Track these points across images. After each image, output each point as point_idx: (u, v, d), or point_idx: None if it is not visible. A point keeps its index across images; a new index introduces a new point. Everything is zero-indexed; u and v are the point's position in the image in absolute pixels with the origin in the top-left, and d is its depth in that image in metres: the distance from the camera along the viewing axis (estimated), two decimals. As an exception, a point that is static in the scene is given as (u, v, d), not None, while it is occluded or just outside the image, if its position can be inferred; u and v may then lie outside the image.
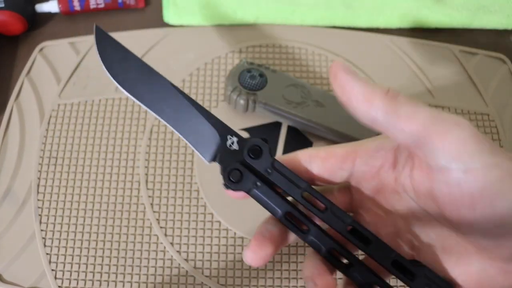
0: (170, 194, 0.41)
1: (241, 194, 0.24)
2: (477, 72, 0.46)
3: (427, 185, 0.22)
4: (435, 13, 0.48)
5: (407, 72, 0.46)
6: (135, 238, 0.39)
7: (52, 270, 0.38)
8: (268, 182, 0.24)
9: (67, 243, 0.39)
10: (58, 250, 0.39)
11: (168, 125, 0.25)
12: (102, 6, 0.48)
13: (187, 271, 0.38)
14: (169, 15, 0.47)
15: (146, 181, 0.41)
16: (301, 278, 0.38)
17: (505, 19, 0.48)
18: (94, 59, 0.46)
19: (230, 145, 0.24)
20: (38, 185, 0.41)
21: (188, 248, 0.39)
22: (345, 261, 0.24)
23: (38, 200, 0.40)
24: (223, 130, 0.24)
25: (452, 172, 0.20)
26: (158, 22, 0.48)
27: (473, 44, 0.48)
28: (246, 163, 0.24)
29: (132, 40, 0.47)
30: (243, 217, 0.40)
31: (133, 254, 0.39)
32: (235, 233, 0.39)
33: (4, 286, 0.37)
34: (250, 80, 0.41)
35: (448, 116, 0.21)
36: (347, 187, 0.26)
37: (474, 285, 0.22)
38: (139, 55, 0.46)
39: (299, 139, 0.43)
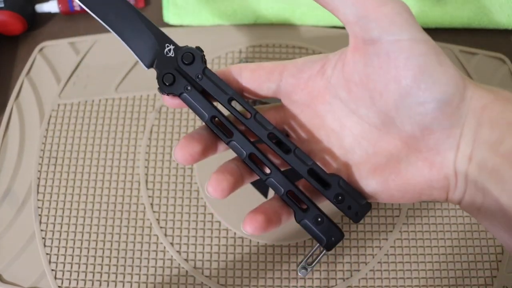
0: (170, 194, 0.41)
1: (176, 101, 0.26)
2: (477, 72, 0.46)
3: (360, 66, 0.23)
4: (435, 13, 0.48)
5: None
6: (135, 238, 0.39)
7: (52, 270, 0.38)
8: (199, 89, 0.25)
9: (67, 243, 0.39)
10: (58, 250, 0.39)
11: (111, 30, 0.26)
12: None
13: (187, 271, 0.38)
14: (169, 15, 0.47)
15: (146, 181, 0.41)
16: (301, 278, 0.38)
17: (505, 19, 0.48)
18: (94, 59, 0.46)
19: (167, 53, 0.26)
20: (38, 185, 0.41)
21: (188, 248, 0.39)
22: (265, 168, 0.26)
23: (38, 200, 0.40)
24: (162, 38, 0.26)
25: (382, 43, 0.22)
26: (158, 22, 0.48)
27: (473, 44, 0.48)
28: (180, 69, 0.26)
29: (132, 40, 0.47)
30: (243, 217, 0.40)
31: (133, 254, 0.39)
32: (235, 233, 0.39)
33: (4, 286, 0.37)
34: (250, 80, 0.41)
35: None
36: (279, 107, 0.27)
37: (400, 189, 0.24)
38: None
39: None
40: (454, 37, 0.48)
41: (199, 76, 0.25)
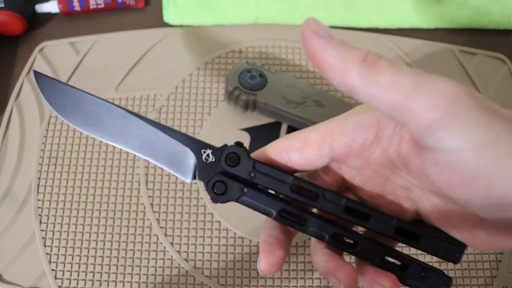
0: (170, 194, 0.41)
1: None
2: (477, 72, 0.46)
3: (417, 162, 0.20)
4: (435, 13, 0.48)
5: (407, 72, 0.46)
6: (135, 238, 0.39)
7: (52, 270, 0.38)
8: (254, 185, 0.24)
9: (67, 243, 0.39)
10: (58, 250, 0.39)
11: (138, 154, 0.24)
12: (102, 6, 0.48)
13: (187, 271, 0.38)
14: (169, 15, 0.47)
15: (146, 181, 0.41)
16: (301, 278, 0.38)
17: (505, 19, 0.48)
18: (94, 59, 0.46)
19: (206, 159, 0.24)
20: (38, 185, 0.41)
21: (188, 248, 0.39)
22: (350, 241, 0.24)
23: (38, 200, 0.40)
24: (195, 145, 0.24)
25: (440, 153, 0.18)
26: (158, 22, 0.48)
27: (473, 44, 0.48)
28: (227, 172, 0.24)
29: (132, 40, 0.47)
30: (243, 217, 0.40)
31: (133, 254, 0.39)
32: (235, 233, 0.39)
33: (4, 286, 0.37)
34: (250, 80, 0.41)
35: (434, 80, 0.18)
36: (326, 170, 0.25)
37: (482, 247, 0.22)
38: (139, 55, 0.46)
39: (299, 139, 0.43)
40: (454, 37, 0.48)
41: (252, 175, 0.23)
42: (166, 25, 0.48)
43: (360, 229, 0.25)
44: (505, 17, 0.48)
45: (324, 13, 0.48)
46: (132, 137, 0.24)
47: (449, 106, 0.17)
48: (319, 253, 0.23)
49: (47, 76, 0.25)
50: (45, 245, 0.39)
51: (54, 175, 0.41)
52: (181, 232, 0.39)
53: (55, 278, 0.38)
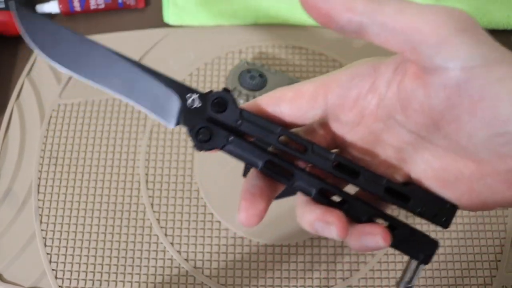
0: (170, 194, 0.41)
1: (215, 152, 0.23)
2: (477, 72, 0.46)
3: (421, 96, 0.20)
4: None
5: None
6: (135, 238, 0.39)
7: (53, 269, 0.38)
8: (240, 134, 0.23)
9: (67, 243, 0.39)
10: (59, 250, 0.39)
11: (119, 95, 0.23)
12: (102, 6, 0.48)
13: (187, 271, 0.38)
14: (169, 15, 0.47)
15: (146, 181, 0.41)
16: (301, 278, 0.38)
17: (505, 19, 0.48)
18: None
19: (191, 104, 0.23)
20: (39, 185, 0.41)
21: (188, 248, 0.39)
22: (338, 199, 0.23)
23: (39, 200, 0.40)
24: (180, 89, 0.23)
25: (449, 72, 0.18)
26: (158, 22, 0.48)
27: (473, 44, 0.48)
28: (212, 119, 0.23)
29: (132, 40, 0.47)
30: (243, 217, 0.40)
31: (134, 254, 0.39)
32: (235, 233, 0.39)
33: (4, 286, 0.37)
34: (250, 81, 0.42)
35: (438, 5, 0.19)
36: (326, 122, 0.24)
37: (478, 204, 0.21)
38: (139, 55, 0.46)
39: (299, 139, 0.43)
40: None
41: (238, 122, 0.22)
42: (166, 25, 0.48)
43: (348, 190, 0.24)
44: (505, 17, 0.48)
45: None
46: (114, 78, 0.23)
47: (457, 24, 0.18)
48: (306, 207, 0.23)
49: (27, 10, 0.24)
50: (45, 245, 0.39)
51: (54, 175, 0.41)
52: (181, 232, 0.39)
53: (56, 277, 0.38)
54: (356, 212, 0.22)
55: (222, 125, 0.22)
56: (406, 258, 0.39)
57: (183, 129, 0.43)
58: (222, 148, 0.22)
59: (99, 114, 0.44)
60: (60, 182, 0.41)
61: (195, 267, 0.38)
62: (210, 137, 0.22)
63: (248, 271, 0.38)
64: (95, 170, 0.42)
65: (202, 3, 0.47)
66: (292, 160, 0.23)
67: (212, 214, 0.40)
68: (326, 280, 0.38)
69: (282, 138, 0.23)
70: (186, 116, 0.23)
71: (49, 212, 0.40)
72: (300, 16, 0.48)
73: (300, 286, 0.38)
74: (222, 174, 0.41)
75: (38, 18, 0.24)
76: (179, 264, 0.38)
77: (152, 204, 0.40)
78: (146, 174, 0.41)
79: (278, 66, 0.46)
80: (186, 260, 0.39)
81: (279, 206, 0.40)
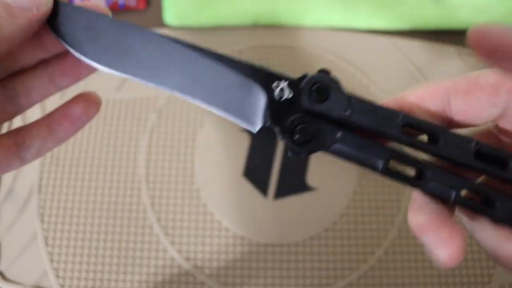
0: (170, 193, 0.41)
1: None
2: (476, 73, 0.46)
3: None
4: (434, 14, 0.48)
5: (407, 73, 0.47)
6: (136, 237, 0.39)
7: (54, 269, 0.38)
8: (350, 128, 0.17)
9: (68, 242, 0.39)
10: (60, 249, 0.39)
11: (182, 95, 0.18)
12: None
13: (187, 271, 0.38)
14: (169, 17, 0.48)
15: (147, 181, 0.41)
16: (301, 277, 0.38)
17: (505, 20, 0.48)
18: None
19: (280, 95, 0.17)
20: (40, 185, 0.41)
21: (188, 247, 0.39)
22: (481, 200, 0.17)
23: (40, 199, 0.41)
24: (263, 76, 0.17)
25: None
26: (159, 23, 0.48)
27: (472, 45, 0.48)
28: (310, 111, 0.17)
29: (133, 41, 0.47)
30: (243, 217, 0.40)
31: (134, 253, 0.39)
32: (235, 233, 0.40)
33: (6, 285, 0.38)
34: (250, 81, 0.42)
35: None
36: (486, 131, 0.19)
37: None
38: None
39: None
40: (452, 38, 0.48)
41: (347, 112, 0.17)
42: (167, 26, 0.48)
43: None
44: (505, 17, 0.48)
45: (323, 15, 0.48)
46: (172, 72, 0.17)
47: None
48: (424, 207, 0.17)
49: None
50: (47, 244, 0.39)
51: (56, 175, 0.42)
52: (181, 231, 0.40)
53: (57, 276, 0.38)
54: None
55: (325, 118, 0.17)
56: (406, 256, 0.39)
57: (182, 129, 0.43)
58: (328, 149, 0.17)
59: (100, 115, 0.44)
60: (62, 182, 0.41)
61: (195, 266, 0.38)
62: (312, 136, 0.17)
63: (248, 270, 0.38)
64: (96, 169, 0.42)
65: (202, 4, 0.48)
66: (417, 155, 0.18)
67: (212, 214, 0.40)
68: (326, 279, 0.38)
69: (404, 128, 0.17)
70: (274, 112, 0.17)
71: (51, 211, 0.40)
72: (300, 18, 0.48)
73: (300, 285, 0.38)
74: (223, 174, 0.42)
75: (65, 6, 0.19)
76: (180, 264, 0.39)
77: (152, 204, 0.41)
78: (147, 174, 0.42)
79: (278, 67, 0.46)
80: (187, 259, 0.39)
81: (279, 205, 0.40)
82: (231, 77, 0.17)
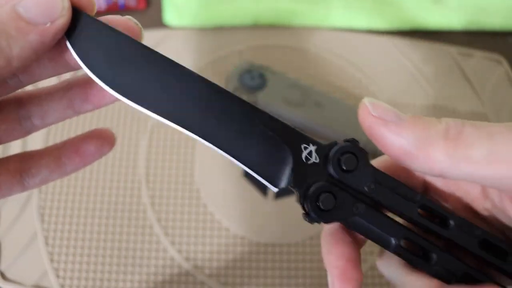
0: (170, 193, 0.41)
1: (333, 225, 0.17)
2: (475, 73, 0.47)
3: None
4: (433, 15, 0.48)
5: (405, 73, 0.47)
6: (136, 237, 0.39)
7: (54, 268, 0.38)
8: (369, 202, 0.17)
9: (69, 242, 0.39)
10: (60, 249, 0.39)
11: (208, 144, 0.17)
12: (103, 8, 0.49)
13: (187, 271, 0.38)
14: (169, 17, 0.48)
15: (147, 181, 0.41)
16: (301, 277, 0.38)
17: (502, 21, 0.48)
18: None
19: (307, 158, 0.17)
20: (40, 185, 0.41)
21: (188, 247, 0.39)
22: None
23: (40, 199, 0.41)
24: (293, 137, 0.17)
25: None
26: (159, 23, 0.49)
27: (470, 46, 0.48)
28: (334, 180, 0.17)
29: (133, 41, 0.47)
30: (243, 217, 0.40)
31: (134, 253, 0.39)
32: (235, 233, 0.40)
33: (6, 285, 0.38)
34: (250, 81, 0.42)
35: None
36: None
37: None
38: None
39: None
40: (451, 39, 0.49)
41: (371, 187, 0.17)
42: (167, 26, 0.48)
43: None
44: (502, 18, 0.48)
45: (323, 15, 0.48)
46: (202, 118, 0.16)
47: None
48: (337, 245, 0.18)
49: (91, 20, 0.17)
50: (47, 244, 0.39)
51: (55, 175, 0.42)
52: (181, 231, 0.40)
53: (57, 276, 0.38)
54: None
55: (349, 189, 0.17)
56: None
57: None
58: (346, 220, 0.17)
59: (100, 114, 0.44)
60: (62, 182, 0.41)
61: (195, 266, 0.38)
62: (334, 205, 0.17)
63: (248, 270, 0.38)
64: (96, 169, 0.42)
65: (202, 4, 0.48)
66: (428, 236, 0.18)
67: (212, 213, 0.40)
68: (326, 279, 0.38)
69: (419, 210, 0.18)
70: (298, 174, 0.17)
71: (51, 211, 0.40)
72: (300, 18, 0.48)
73: (300, 285, 0.38)
74: (223, 174, 0.42)
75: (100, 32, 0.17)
76: (180, 264, 0.39)
77: (152, 204, 0.41)
78: (147, 174, 0.42)
79: (278, 67, 0.46)
80: (187, 259, 0.39)
81: (279, 205, 0.41)
82: (264, 135, 0.16)
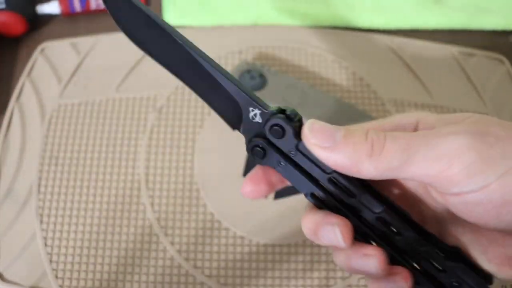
0: (170, 194, 0.41)
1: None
2: (476, 73, 0.46)
3: (444, 205, 0.22)
4: (434, 14, 0.48)
5: (406, 73, 0.46)
6: (135, 238, 0.39)
7: (53, 269, 0.38)
8: (293, 161, 0.22)
9: (68, 243, 0.39)
10: (59, 250, 0.39)
11: (194, 91, 0.24)
12: (102, 7, 0.48)
13: (187, 271, 0.38)
14: (169, 16, 0.48)
15: (147, 181, 0.41)
16: (301, 278, 0.38)
17: (504, 20, 0.48)
18: (95, 59, 0.46)
19: (253, 117, 0.22)
20: (39, 185, 0.41)
21: (188, 247, 0.39)
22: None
23: (39, 200, 0.41)
24: (245, 100, 0.22)
25: (468, 195, 0.20)
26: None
27: (472, 45, 0.48)
28: (267, 139, 0.22)
29: (133, 40, 0.47)
30: (243, 217, 0.40)
31: (134, 253, 0.39)
32: (235, 233, 0.39)
33: (5, 286, 0.38)
34: (250, 81, 0.42)
35: (441, 142, 0.19)
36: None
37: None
38: (139, 55, 0.46)
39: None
40: (452, 38, 0.48)
41: (292, 153, 0.22)
42: (167, 26, 0.48)
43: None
44: (503, 17, 0.48)
45: (324, 14, 0.48)
46: (190, 71, 0.23)
47: (464, 159, 0.19)
48: (309, 216, 0.23)
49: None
50: (46, 245, 0.39)
51: (55, 175, 0.42)
52: (181, 231, 0.40)
53: (56, 277, 0.38)
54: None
55: (277, 148, 0.22)
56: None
57: (182, 129, 0.43)
58: (274, 169, 0.23)
59: (100, 114, 0.44)
60: (61, 182, 0.41)
61: (195, 266, 0.38)
62: (263, 156, 0.22)
63: (248, 270, 0.38)
64: (95, 170, 0.42)
65: (202, 4, 0.48)
66: (338, 199, 0.23)
67: (212, 214, 0.40)
68: (326, 279, 0.38)
69: (332, 178, 0.22)
70: (246, 126, 0.23)
71: (50, 212, 0.40)
72: (300, 17, 0.48)
73: (300, 286, 0.38)
74: (223, 174, 0.42)
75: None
76: (179, 264, 0.38)
77: (152, 204, 0.40)
78: (146, 174, 0.42)
79: (278, 66, 0.46)
80: (186, 259, 0.39)
81: (279, 205, 0.40)
82: (227, 93, 0.23)
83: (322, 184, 0.23)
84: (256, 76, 0.42)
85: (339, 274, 0.38)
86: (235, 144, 0.42)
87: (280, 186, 0.24)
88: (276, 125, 0.22)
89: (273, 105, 0.23)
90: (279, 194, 0.41)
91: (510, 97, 0.45)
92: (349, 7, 0.48)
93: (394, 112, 0.44)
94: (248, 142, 0.23)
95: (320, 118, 0.41)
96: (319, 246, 0.39)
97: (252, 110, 0.22)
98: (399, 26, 0.49)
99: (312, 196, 0.23)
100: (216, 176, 0.41)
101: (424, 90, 0.45)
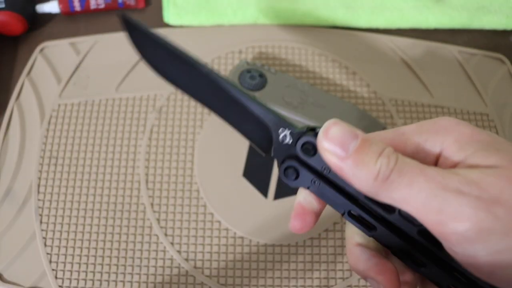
0: (170, 194, 0.41)
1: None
2: (476, 72, 0.46)
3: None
4: (434, 13, 0.48)
5: (407, 73, 0.46)
6: (135, 238, 0.39)
7: (53, 269, 0.38)
8: (327, 179, 0.22)
9: (67, 243, 0.39)
10: (59, 250, 0.39)
11: (220, 118, 0.24)
12: (102, 6, 0.48)
13: (187, 271, 0.38)
14: (169, 16, 0.48)
15: (146, 181, 0.41)
16: (301, 278, 0.38)
17: (504, 19, 0.48)
18: (94, 59, 0.46)
19: (283, 139, 0.23)
20: (39, 185, 0.41)
21: (188, 248, 0.39)
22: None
23: (39, 200, 0.41)
24: (275, 122, 0.23)
25: (457, 255, 0.20)
26: (158, 22, 0.48)
27: (472, 45, 0.48)
28: (299, 159, 0.22)
29: (133, 40, 0.47)
30: (243, 217, 0.40)
31: (134, 254, 0.39)
32: (235, 233, 0.39)
33: (4, 286, 0.37)
34: (250, 81, 0.42)
35: (444, 202, 0.19)
36: None
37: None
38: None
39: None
40: (453, 38, 0.48)
41: (326, 170, 0.22)
42: (166, 25, 0.48)
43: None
44: (504, 17, 0.48)
45: (324, 14, 0.48)
46: (214, 99, 0.23)
47: (456, 226, 0.19)
48: (365, 252, 0.23)
49: (136, 23, 0.24)
50: (45, 245, 0.39)
51: (54, 175, 0.41)
52: (181, 232, 0.39)
53: (56, 277, 0.38)
54: (435, 276, 0.22)
55: (310, 167, 0.22)
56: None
57: (182, 129, 0.43)
58: (308, 188, 0.23)
59: (99, 114, 0.44)
60: (60, 182, 0.41)
61: (195, 267, 0.38)
62: (296, 177, 0.22)
63: (248, 271, 0.38)
64: (95, 170, 0.42)
65: (202, 3, 0.47)
66: (376, 215, 0.22)
67: (212, 214, 0.40)
68: (326, 280, 0.38)
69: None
70: (277, 149, 0.23)
71: (49, 212, 0.40)
72: (300, 17, 0.48)
73: (300, 286, 0.38)
74: (222, 174, 0.41)
75: (144, 30, 0.24)
76: (179, 264, 0.38)
77: (152, 204, 0.40)
78: (146, 174, 0.42)
79: (278, 66, 0.46)
80: (186, 260, 0.39)
81: (279, 205, 0.40)
82: (256, 117, 0.23)
83: (359, 200, 0.22)
84: (256, 75, 0.42)
85: (339, 274, 0.38)
86: (235, 144, 0.42)
87: (322, 208, 0.24)
88: (307, 143, 0.22)
89: (301, 125, 0.23)
90: (280, 194, 0.41)
91: (511, 97, 0.45)
92: (349, 7, 0.48)
93: (394, 112, 0.44)
94: (280, 164, 0.22)
95: (320, 118, 0.41)
96: (319, 246, 0.39)
97: (282, 131, 0.22)
98: (399, 25, 0.48)
99: (350, 214, 0.22)
100: (216, 176, 0.41)
101: (425, 90, 0.45)
